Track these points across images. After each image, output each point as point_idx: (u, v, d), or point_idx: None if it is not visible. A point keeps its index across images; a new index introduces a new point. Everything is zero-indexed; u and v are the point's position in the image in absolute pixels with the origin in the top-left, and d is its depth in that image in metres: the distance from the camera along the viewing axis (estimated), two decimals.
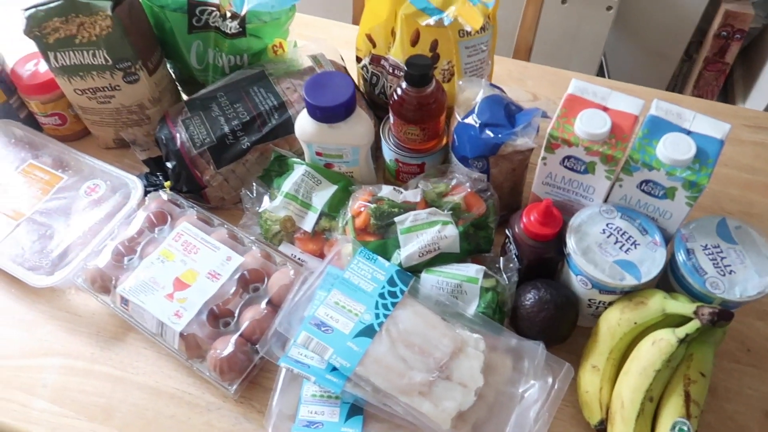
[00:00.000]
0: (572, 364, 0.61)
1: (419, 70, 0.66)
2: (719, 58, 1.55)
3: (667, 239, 0.63)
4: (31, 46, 0.74)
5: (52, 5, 0.69)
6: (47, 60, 0.73)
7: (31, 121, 0.85)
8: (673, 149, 0.57)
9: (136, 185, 0.75)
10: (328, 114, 0.66)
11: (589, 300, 0.64)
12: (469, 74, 0.76)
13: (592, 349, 0.62)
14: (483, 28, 0.73)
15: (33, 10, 0.69)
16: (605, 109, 0.61)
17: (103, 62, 0.73)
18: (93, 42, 0.71)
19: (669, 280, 0.63)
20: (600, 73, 1.68)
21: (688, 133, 0.59)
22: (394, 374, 0.59)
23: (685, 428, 0.55)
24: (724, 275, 0.59)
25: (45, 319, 0.71)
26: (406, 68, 0.67)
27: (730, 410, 0.64)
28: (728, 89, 1.68)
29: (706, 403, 0.60)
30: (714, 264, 0.59)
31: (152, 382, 0.66)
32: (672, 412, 0.57)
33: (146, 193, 0.75)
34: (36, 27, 0.70)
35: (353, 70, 0.85)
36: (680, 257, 0.60)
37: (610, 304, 0.62)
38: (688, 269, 0.59)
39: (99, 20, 0.70)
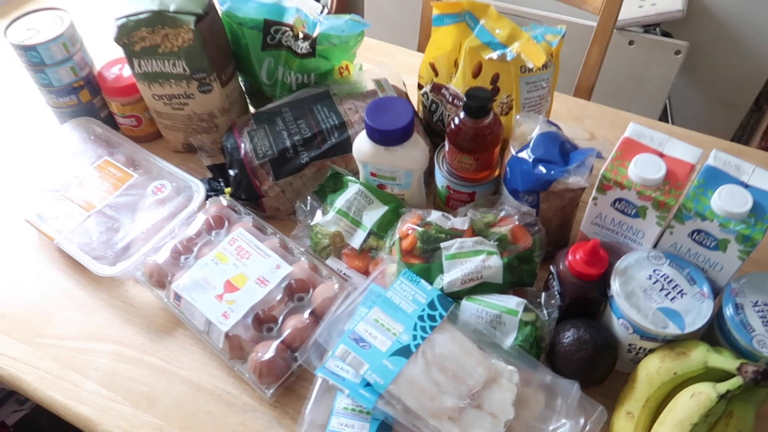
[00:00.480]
0: (607, 407, 0.60)
1: (478, 102, 0.68)
2: None
3: (716, 292, 0.62)
4: (117, 52, 0.80)
5: (141, 16, 0.75)
6: (131, 66, 0.79)
7: (110, 121, 0.91)
8: (728, 201, 0.57)
9: (199, 189, 0.80)
10: (385, 137, 0.68)
11: (630, 345, 0.63)
12: (528, 109, 0.78)
13: (629, 395, 0.62)
14: (545, 66, 0.74)
15: (124, 19, 0.75)
16: (661, 155, 0.61)
17: (182, 72, 0.78)
18: (174, 53, 0.76)
19: (715, 333, 0.61)
20: (663, 117, 1.65)
21: (746, 186, 0.59)
22: (425, 396, 0.59)
23: None
24: None
25: (103, 307, 0.75)
26: (465, 99, 0.69)
27: None
28: None
29: None
30: (763, 321, 0.58)
31: (194, 377, 0.69)
32: None
33: (207, 197, 0.79)
34: (125, 35, 0.76)
35: (414, 96, 0.88)
36: (728, 311, 0.59)
37: (651, 351, 0.61)
38: (735, 324, 0.58)
39: (182, 33, 0.75)
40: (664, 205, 0.59)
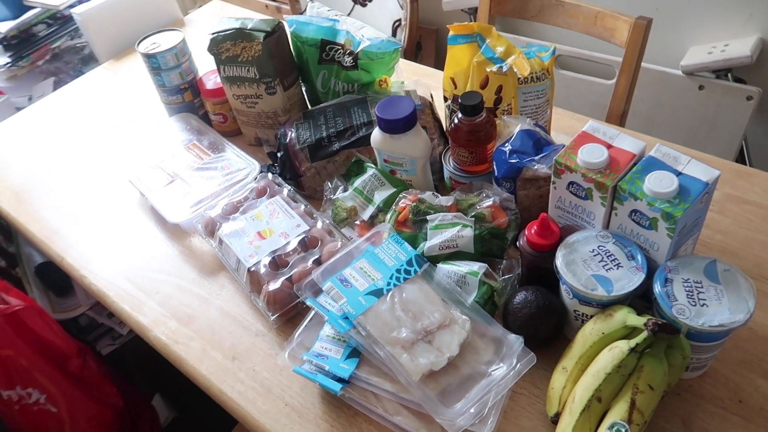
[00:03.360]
0: (552, 368, 0.69)
1: (471, 101, 0.82)
2: None
3: (655, 270, 0.69)
4: (213, 64, 1.04)
5: (227, 32, 0.98)
6: (219, 70, 1.03)
7: (205, 118, 1.16)
8: (656, 183, 0.65)
9: (255, 167, 1.00)
10: (390, 126, 0.84)
11: (574, 311, 0.71)
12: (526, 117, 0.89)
13: (566, 353, 0.70)
14: (538, 78, 0.86)
15: (215, 34, 0.99)
16: (609, 146, 0.71)
17: (253, 76, 1.00)
18: (248, 60, 0.99)
19: (650, 306, 0.68)
20: (740, 160, 1.63)
21: (679, 174, 0.66)
22: (387, 328, 0.72)
23: (623, 430, 0.60)
24: (694, 305, 0.63)
25: (172, 250, 0.97)
26: (461, 101, 0.83)
27: None
28: None
29: None
30: (688, 295, 0.64)
31: (226, 306, 0.87)
32: (615, 414, 0.62)
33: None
34: (215, 46, 1.00)
35: (441, 108, 1.03)
36: (657, 283, 0.66)
37: (591, 317, 0.69)
38: (661, 295, 0.65)
39: (254, 45, 0.97)
40: (603, 186, 0.68)
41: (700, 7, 1.52)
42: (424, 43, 1.90)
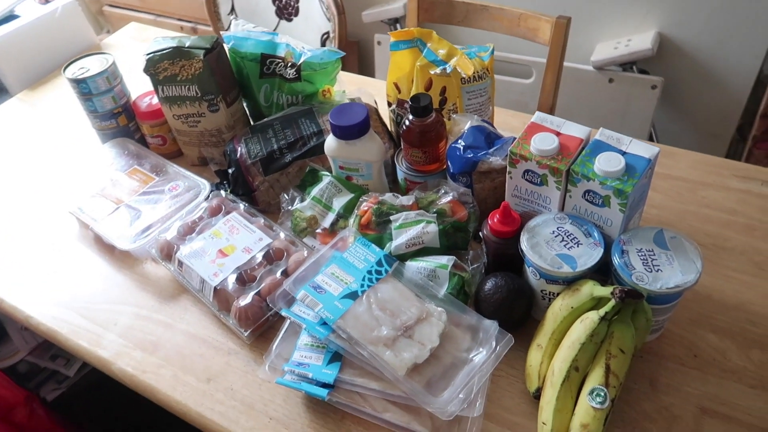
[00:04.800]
0: (527, 348, 0.73)
1: (421, 103, 0.85)
2: (767, 137, 1.60)
3: (611, 244, 0.74)
4: (148, 86, 1.02)
5: (164, 51, 0.96)
6: (157, 91, 1.00)
7: (142, 141, 1.12)
8: (605, 163, 0.70)
9: (205, 186, 0.98)
10: (345, 132, 0.85)
11: (542, 291, 0.75)
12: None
13: (539, 331, 0.73)
14: (480, 77, 0.91)
15: (152, 54, 0.97)
16: (558, 134, 0.76)
17: (194, 94, 0.99)
18: (189, 79, 0.97)
19: (609, 276, 0.73)
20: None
21: (623, 153, 0.72)
22: (367, 328, 0.73)
23: (602, 394, 0.65)
24: (650, 272, 0.69)
25: (125, 279, 0.93)
26: (410, 102, 0.85)
27: (666, 402, 0.71)
28: None
29: (644, 393, 0.71)
30: (644, 263, 0.70)
31: (192, 329, 0.85)
32: (593, 380, 0.66)
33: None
34: (152, 67, 0.97)
35: (385, 113, 1.05)
36: (615, 255, 0.71)
37: (557, 295, 0.74)
38: (620, 265, 0.70)
39: (194, 63, 0.96)
40: (557, 171, 0.73)
41: (603, 5, 1.65)
42: (347, 55, 1.93)
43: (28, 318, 0.90)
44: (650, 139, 1.76)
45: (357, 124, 0.85)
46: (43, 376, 1.29)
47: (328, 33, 1.47)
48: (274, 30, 1.58)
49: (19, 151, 1.22)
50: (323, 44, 1.49)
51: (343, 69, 1.05)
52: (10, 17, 1.48)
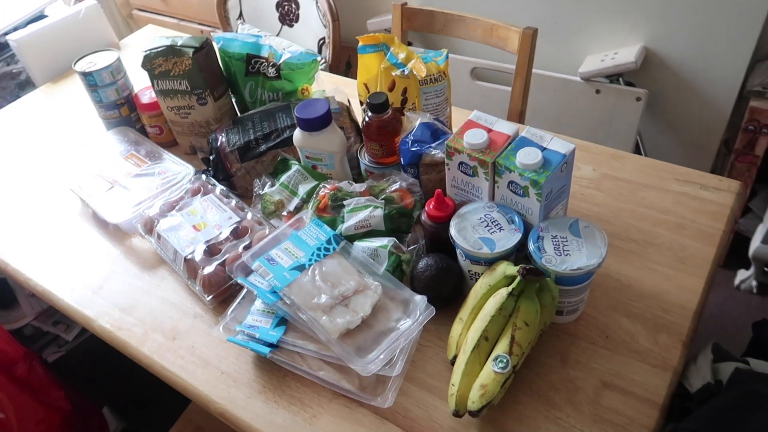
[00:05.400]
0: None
1: (377, 100, 0.94)
2: (749, 151, 1.64)
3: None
4: (147, 80, 1.14)
5: (159, 49, 1.08)
6: (153, 85, 1.12)
7: (142, 131, 1.24)
8: (525, 157, 0.78)
9: (190, 171, 1.09)
10: (308, 124, 0.95)
11: (469, 271, 0.83)
12: (428, 113, 1.02)
13: (463, 307, 0.82)
14: (436, 79, 1.00)
15: (148, 51, 1.09)
16: (489, 130, 0.84)
17: (185, 88, 1.10)
18: (180, 75, 1.09)
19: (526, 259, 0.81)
20: (636, 152, 1.82)
21: (543, 149, 0.80)
22: (308, 296, 0.82)
23: (505, 360, 0.72)
24: (560, 255, 0.76)
25: (115, 250, 1.05)
26: (369, 100, 0.95)
27: (572, 375, 0.78)
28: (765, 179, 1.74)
29: (554, 367, 0.78)
30: (555, 248, 0.77)
31: (165, 295, 0.96)
32: (499, 349, 0.74)
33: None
34: (148, 63, 1.09)
35: (359, 111, 1.15)
36: (530, 240, 0.79)
37: (481, 275, 0.82)
38: (534, 249, 0.78)
39: (185, 60, 1.07)
40: (484, 163, 0.81)
41: (592, 20, 1.72)
42: (353, 61, 2.04)
43: (28, 280, 1.03)
44: (636, 149, 1.81)
45: (318, 117, 0.95)
46: (46, 340, 1.42)
47: (324, 38, 1.57)
48: (278, 34, 1.70)
49: (38, 136, 1.36)
50: (320, 49, 1.59)
51: (334, 71, 1.15)
52: (40, 17, 1.63)
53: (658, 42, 1.65)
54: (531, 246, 0.78)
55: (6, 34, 1.57)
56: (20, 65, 1.65)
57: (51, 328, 1.40)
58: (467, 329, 0.79)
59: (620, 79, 1.72)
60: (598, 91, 1.74)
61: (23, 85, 1.69)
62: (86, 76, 1.16)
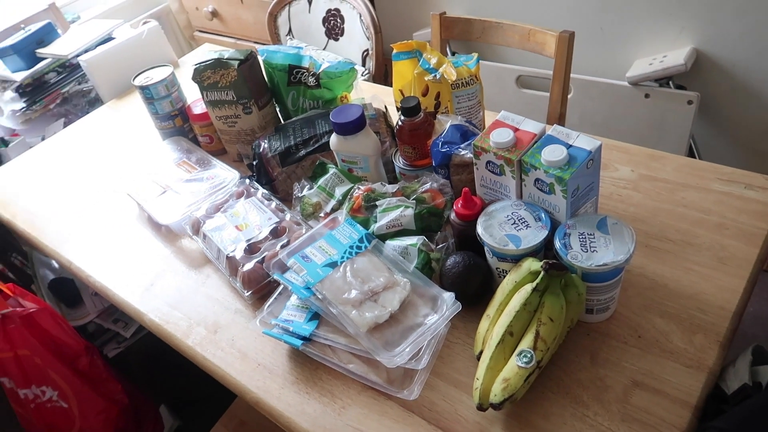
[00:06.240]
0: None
1: (409, 104, 0.97)
2: None
3: None
4: (197, 92, 1.21)
5: (207, 63, 1.15)
6: (203, 96, 1.19)
7: (194, 140, 1.32)
8: (549, 154, 0.79)
9: (236, 176, 1.15)
10: (343, 128, 0.99)
11: (497, 269, 0.84)
12: (461, 117, 1.04)
13: (490, 303, 0.82)
14: (467, 83, 1.02)
15: (198, 65, 1.16)
16: (516, 129, 0.85)
17: (231, 99, 1.17)
18: (226, 86, 1.15)
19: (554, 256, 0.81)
20: (690, 156, 1.76)
21: (569, 146, 0.80)
22: (339, 291, 0.85)
23: (529, 355, 0.73)
24: (586, 252, 0.76)
25: (167, 251, 1.11)
26: (401, 105, 0.98)
27: (601, 374, 0.77)
28: None
29: (583, 365, 0.78)
30: (582, 244, 0.77)
31: (210, 292, 1.01)
32: (524, 344, 0.74)
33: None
34: (198, 76, 1.17)
35: (395, 115, 1.18)
36: (557, 237, 0.79)
37: (508, 272, 0.82)
38: (560, 245, 0.78)
39: (231, 72, 1.14)
40: (510, 161, 0.83)
41: (639, 24, 1.69)
42: (382, 69, 2.08)
43: (88, 276, 1.11)
44: (690, 153, 1.76)
45: (353, 121, 0.98)
46: (107, 337, 1.52)
47: (367, 50, 1.62)
48: (324, 48, 1.77)
49: (101, 147, 1.47)
50: (363, 61, 1.64)
51: (377, 81, 1.19)
52: (108, 39, 1.76)
53: (709, 44, 1.60)
54: (557, 242, 0.78)
55: (78, 55, 1.71)
56: (90, 84, 1.79)
57: (111, 325, 1.50)
58: (493, 325, 0.80)
59: (670, 82, 1.68)
60: (647, 96, 1.70)
61: (93, 102, 1.82)
62: (143, 89, 1.25)
